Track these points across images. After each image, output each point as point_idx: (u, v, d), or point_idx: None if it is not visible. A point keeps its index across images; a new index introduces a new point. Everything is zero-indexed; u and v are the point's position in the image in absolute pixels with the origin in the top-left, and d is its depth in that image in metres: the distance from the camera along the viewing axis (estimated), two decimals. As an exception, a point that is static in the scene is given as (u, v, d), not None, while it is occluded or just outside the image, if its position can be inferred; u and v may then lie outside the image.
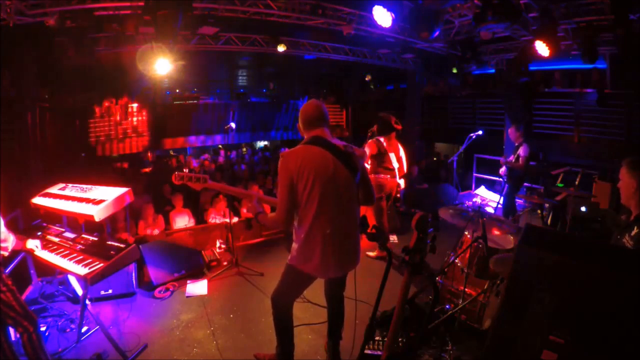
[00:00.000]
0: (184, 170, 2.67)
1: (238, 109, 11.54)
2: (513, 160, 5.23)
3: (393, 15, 4.60)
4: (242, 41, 7.35)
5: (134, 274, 3.64)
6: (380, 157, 4.16)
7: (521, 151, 5.14)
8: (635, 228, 1.86)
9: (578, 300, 1.08)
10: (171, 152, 12.85)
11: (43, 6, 4.46)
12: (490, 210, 5.43)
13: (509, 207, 5.48)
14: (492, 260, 2.50)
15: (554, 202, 4.12)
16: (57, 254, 2.62)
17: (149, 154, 11.78)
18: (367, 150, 4.14)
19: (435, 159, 11.04)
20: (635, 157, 1.98)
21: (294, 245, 2.20)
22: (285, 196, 2.09)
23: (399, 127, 4.21)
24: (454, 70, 7.37)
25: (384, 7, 4.54)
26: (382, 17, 4.71)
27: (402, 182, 4.30)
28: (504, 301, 1.21)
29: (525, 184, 6.25)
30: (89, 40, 5.20)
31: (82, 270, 2.39)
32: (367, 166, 4.21)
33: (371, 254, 4.41)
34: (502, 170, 5.39)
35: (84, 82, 8.02)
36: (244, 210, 6.16)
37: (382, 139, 4.20)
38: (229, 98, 14.44)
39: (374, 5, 4.66)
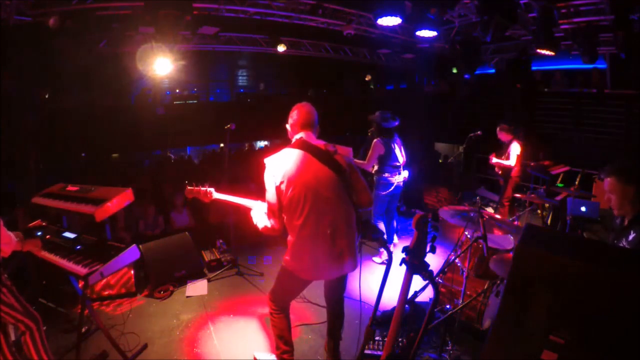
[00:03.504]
0: (192, 184, 2.83)
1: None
2: (503, 160, 5.22)
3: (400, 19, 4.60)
4: (242, 41, 7.35)
5: (133, 274, 3.64)
6: (388, 156, 4.13)
7: (511, 148, 5.13)
8: (632, 232, 1.85)
9: (578, 300, 1.08)
10: (169, 153, 12.81)
11: (43, 6, 4.45)
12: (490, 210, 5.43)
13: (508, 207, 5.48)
14: (492, 260, 2.50)
15: (554, 202, 4.11)
16: (57, 253, 2.61)
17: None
18: (375, 150, 4.10)
19: (441, 161, 11.03)
20: (619, 165, 1.95)
21: (287, 249, 2.21)
22: (272, 203, 2.12)
23: (396, 122, 4.19)
24: (454, 70, 7.37)
25: (387, 8, 4.53)
26: (388, 20, 4.71)
27: (406, 173, 4.29)
28: (504, 301, 1.21)
29: (525, 184, 6.26)
30: (89, 40, 5.20)
31: (81, 270, 2.39)
32: (375, 167, 4.19)
33: (377, 260, 4.39)
34: (496, 168, 5.41)
35: (84, 82, 8.02)
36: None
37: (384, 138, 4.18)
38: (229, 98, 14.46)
39: (374, 6, 4.65)
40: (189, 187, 2.77)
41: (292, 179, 2.06)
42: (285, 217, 2.14)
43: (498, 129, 5.29)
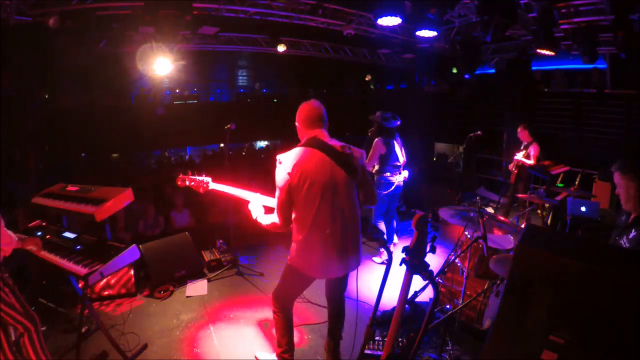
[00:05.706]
0: (188, 172, 2.74)
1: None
2: (524, 157, 5.23)
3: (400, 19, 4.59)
4: (242, 41, 7.35)
5: (133, 274, 3.63)
6: (388, 156, 4.13)
7: (532, 150, 5.15)
8: (633, 231, 1.86)
9: (578, 300, 1.08)
10: (166, 154, 12.79)
11: (43, 6, 4.45)
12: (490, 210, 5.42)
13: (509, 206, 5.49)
14: (492, 260, 2.50)
15: (554, 202, 4.11)
16: (57, 253, 2.61)
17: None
18: (376, 150, 4.09)
19: (435, 159, 11.03)
20: (623, 160, 2.00)
21: (293, 246, 2.20)
22: (283, 200, 2.10)
23: (397, 122, 4.19)
24: (454, 70, 7.37)
25: (387, 8, 4.52)
26: (388, 20, 4.70)
27: (406, 173, 4.30)
28: (504, 301, 1.21)
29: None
30: (89, 40, 5.20)
31: (81, 270, 2.39)
32: (376, 166, 4.19)
33: (377, 260, 4.39)
34: (511, 165, 5.40)
35: (84, 82, 8.03)
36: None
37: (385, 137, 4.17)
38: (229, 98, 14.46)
39: (374, 6, 4.65)
40: (182, 175, 2.66)
41: (310, 177, 2.05)
42: (295, 214, 2.13)
43: (519, 129, 5.36)
